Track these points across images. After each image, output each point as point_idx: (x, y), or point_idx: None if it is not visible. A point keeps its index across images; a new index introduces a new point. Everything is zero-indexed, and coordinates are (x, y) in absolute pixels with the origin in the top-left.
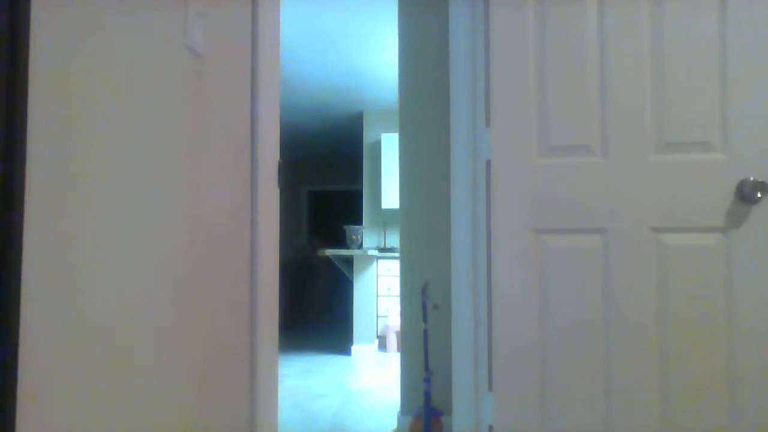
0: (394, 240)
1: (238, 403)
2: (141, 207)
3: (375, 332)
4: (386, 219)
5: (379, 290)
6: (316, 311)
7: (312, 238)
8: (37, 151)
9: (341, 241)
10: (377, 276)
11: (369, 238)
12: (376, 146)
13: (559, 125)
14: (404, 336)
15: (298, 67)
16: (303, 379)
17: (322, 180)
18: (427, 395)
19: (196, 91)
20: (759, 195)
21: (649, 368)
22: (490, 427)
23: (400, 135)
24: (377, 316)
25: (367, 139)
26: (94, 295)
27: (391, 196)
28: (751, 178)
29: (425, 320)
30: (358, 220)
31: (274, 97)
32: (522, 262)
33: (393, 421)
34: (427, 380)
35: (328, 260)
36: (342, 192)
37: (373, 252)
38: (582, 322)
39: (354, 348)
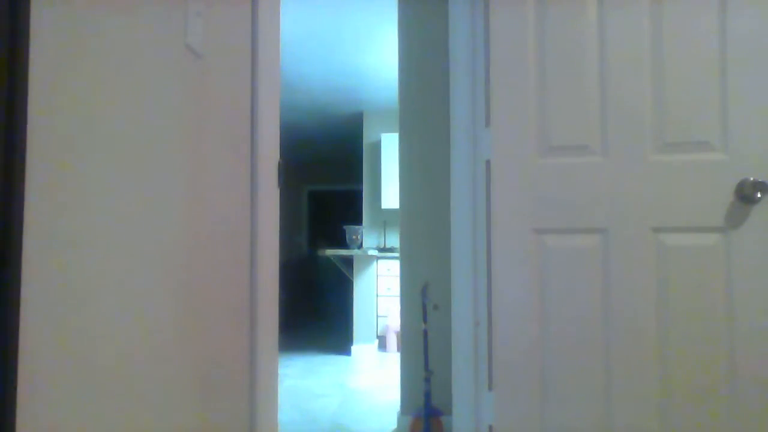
0: (394, 240)
1: (238, 403)
2: (141, 207)
3: (375, 332)
4: (386, 219)
5: (379, 290)
6: (316, 311)
7: (311, 238)
8: (37, 152)
9: (341, 241)
10: (377, 276)
11: (369, 238)
12: (376, 146)
13: (559, 125)
14: (404, 336)
15: (298, 66)
16: (303, 379)
17: (322, 180)
18: (427, 395)
19: (196, 91)
20: (759, 195)
21: (648, 368)
22: (490, 427)
23: (400, 135)
24: (377, 316)
25: (367, 139)
26: (94, 295)
27: (391, 196)
28: (751, 178)
29: (425, 320)
30: (358, 220)
31: (274, 97)
32: (522, 262)
33: (393, 421)
34: (427, 380)
35: (328, 260)
36: (342, 192)
37: (373, 252)
38: (582, 322)
39: (354, 348)
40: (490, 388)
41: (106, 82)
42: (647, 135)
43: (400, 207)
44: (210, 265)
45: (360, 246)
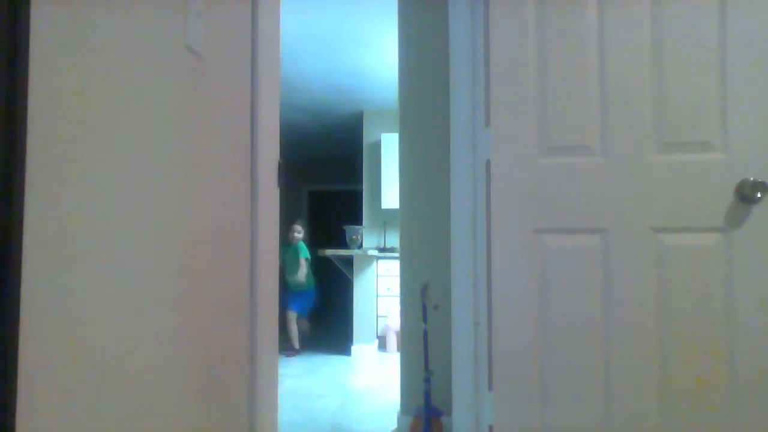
0: (394, 240)
1: (238, 403)
2: (141, 207)
3: (375, 332)
4: (386, 219)
5: (379, 290)
6: (316, 311)
7: (311, 238)
8: (37, 151)
9: (341, 241)
10: (377, 276)
11: (369, 238)
12: (376, 146)
13: (559, 125)
14: (404, 336)
15: (298, 67)
16: (303, 379)
17: (322, 180)
18: (427, 395)
19: (196, 91)
20: (759, 195)
21: (648, 368)
22: (490, 427)
23: (400, 135)
24: (377, 316)
25: (367, 139)
26: (94, 296)
27: (391, 196)
28: (751, 178)
29: (425, 320)
30: (358, 220)
31: (274, 98)
32: (522, 262)
33: (393, 421)
34: (427, 380)
35: (327, 260)
36: (342, 192)
37: (373, 252)
38: (582, 322)
39: (354, 348)
40: (490, 388)
41: (106, 82)
42: (647, 135)
43: (400, 207)
44: (210, 265)
45: (360, 246)
